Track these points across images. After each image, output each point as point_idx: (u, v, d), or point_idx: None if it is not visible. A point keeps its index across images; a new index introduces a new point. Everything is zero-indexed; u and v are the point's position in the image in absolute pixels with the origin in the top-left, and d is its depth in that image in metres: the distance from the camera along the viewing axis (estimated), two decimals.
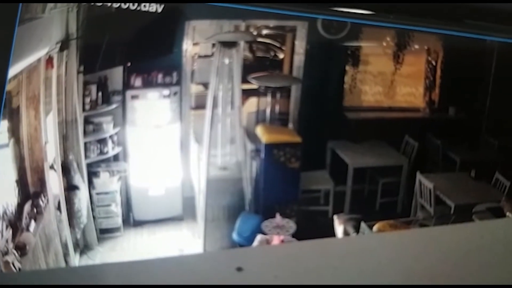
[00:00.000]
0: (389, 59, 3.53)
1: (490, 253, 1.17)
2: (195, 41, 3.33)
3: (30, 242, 2.56)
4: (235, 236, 3.24)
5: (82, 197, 3.15)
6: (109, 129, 3.29)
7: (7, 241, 2.41)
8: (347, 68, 3.55)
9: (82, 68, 3.07)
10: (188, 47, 3.32)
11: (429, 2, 2.15)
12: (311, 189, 3.48)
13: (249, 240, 3.15)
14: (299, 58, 3.46)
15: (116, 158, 3.35)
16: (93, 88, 3.17)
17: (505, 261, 1.14)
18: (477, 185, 3.27)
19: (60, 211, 2.96)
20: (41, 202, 2.74)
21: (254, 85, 3.45)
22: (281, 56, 3.50)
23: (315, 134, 3.47)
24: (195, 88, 3.44)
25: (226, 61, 3.34)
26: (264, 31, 3.43)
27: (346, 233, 2.99)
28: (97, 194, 3.23)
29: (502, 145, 3.37)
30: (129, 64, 3.26)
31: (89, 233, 3.20)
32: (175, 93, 3.37)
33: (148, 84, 3.32)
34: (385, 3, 2.12)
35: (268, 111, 3.55)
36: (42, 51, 2.73)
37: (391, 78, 3.58)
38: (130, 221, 3.39)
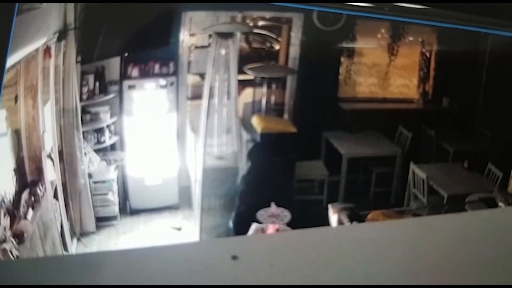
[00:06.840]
0: (383, 51, 3.53)
1: (482, 243, 1.17)
2: (192, 32, 3.32)
3: (27, 230, 2.55)
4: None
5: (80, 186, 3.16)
6: (106, 118, 3.28)
7: (5, 229, 2.39)
8: (342, 59, 3.55)
9: (79, 58, 3.05)
10: (184, 37, 3.31)
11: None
12: (306, 178, 3.48)
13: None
14: (294, 49, 3.45)
15: (113, 147, 3.34)
16: (91, 78, 3.16)
17: (497, 251, 1.13)
18: (470, 176, 3.28)
19: (57, 199, 2.95)
20: (38, 191, 2.73)
21: (250, 76, 3.44)
22: (277, 47, 3.49)
23: (310, 124, 3.46)
24: (191, 79, 3.43)
25: (223, 52, 3.33)
26: (260, 23, 3.43)
27: (340, 222, 2.95)
28: (94, 183, 3.23)
29: (495, 136, 3.37)
30: (126, 54, 3.24)
31: (86, 221, 3.20)
32: (171, 83, 3.36)
33: (145, 74, 3.31)
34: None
35: (264, 101, 3.55)
36: (40, 41, 2.71)
37: (385, 70, 3.58)
38: (127, 209, 3.39)
